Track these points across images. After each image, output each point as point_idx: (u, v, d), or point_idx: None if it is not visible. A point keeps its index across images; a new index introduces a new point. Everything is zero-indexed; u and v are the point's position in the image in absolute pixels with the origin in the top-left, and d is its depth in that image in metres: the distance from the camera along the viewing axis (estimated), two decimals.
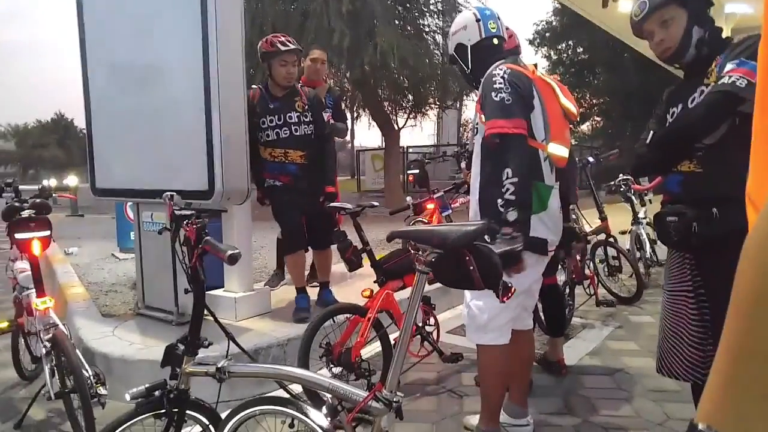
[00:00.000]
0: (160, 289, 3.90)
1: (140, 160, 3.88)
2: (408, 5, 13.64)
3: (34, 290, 2.84)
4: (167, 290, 3.78)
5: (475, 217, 2.34)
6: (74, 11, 4.16)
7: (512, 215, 2.11)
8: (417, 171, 4.75)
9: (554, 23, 25.38)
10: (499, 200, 2.14)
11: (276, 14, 11.34)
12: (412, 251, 1.68)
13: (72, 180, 11.85)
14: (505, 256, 1.80)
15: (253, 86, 4.02)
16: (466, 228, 1.52)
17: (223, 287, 4.06)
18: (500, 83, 2.23)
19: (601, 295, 4.90)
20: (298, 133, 3.87)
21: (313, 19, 10.85)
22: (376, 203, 3.49)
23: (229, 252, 1.56)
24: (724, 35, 2.04)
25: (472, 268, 1.54)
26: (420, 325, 3.25)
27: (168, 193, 1.87)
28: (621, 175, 5.66)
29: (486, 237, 2.03)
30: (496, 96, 2.22)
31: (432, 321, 3.38)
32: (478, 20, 2.43)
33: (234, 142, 3.49)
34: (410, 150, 20.68)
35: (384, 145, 16.15)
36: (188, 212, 1.71)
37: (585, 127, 29.97)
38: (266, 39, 3.87)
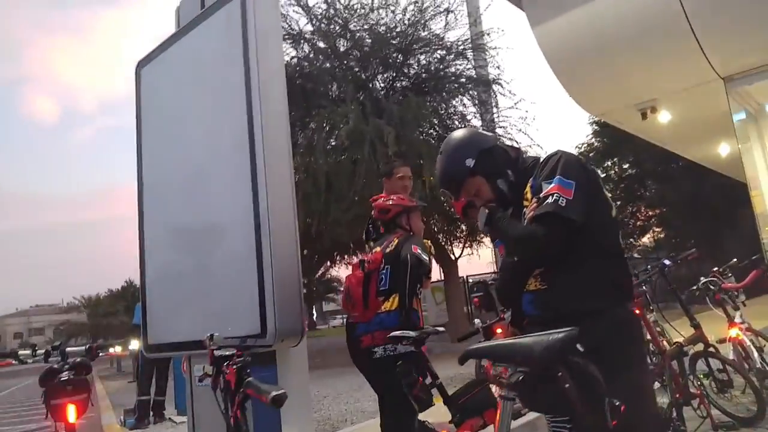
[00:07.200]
0: None
1: (190, 312, 3.74)
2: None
3: None
4: None
5: None
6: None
7: None
8: (481, 293, 4.45)
9: (596, 144, 25.79)
10: None
11: (329, 165, 11.89)
12: (492, 374, 1.40)
13: (135, 344, 11.80)
14: None
15: None
16: (554, 336, 1.24)
17: None
18: None
19: (715, 417, 4.20)
20: None
21: (362, 165, 11.31)
22: (441, 329, 3.14)
23: (273, 393, 1.31)
24: None
25: (567, 386, 1.23)
26: None
27: (208, 334, 1.69)
28: (702, 278, 5.13)
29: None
30: None
31: None
32: None
33: (287, 284, 3.32)
34: (470, 279, 20.32)
35: (443, 277, 15.89)
36: (229, 352, 1.50)
37: (647, 239, 29.07)
38: None
